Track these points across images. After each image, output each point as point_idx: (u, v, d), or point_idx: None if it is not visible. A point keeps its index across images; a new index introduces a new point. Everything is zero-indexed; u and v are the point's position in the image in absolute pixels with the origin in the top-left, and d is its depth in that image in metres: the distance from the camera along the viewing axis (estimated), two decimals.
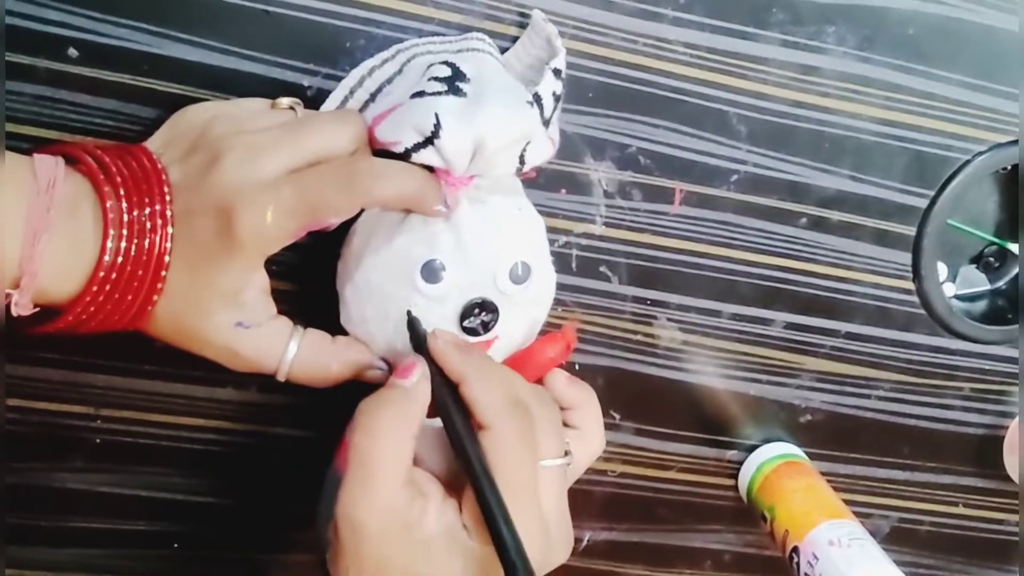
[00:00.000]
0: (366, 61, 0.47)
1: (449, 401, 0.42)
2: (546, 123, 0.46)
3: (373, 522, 0.39)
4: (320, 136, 0.43)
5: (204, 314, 0.42)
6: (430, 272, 0.44)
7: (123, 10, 0.47)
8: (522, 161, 0.45)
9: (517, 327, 0.47)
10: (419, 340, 0.44)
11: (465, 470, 0.40)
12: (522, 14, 0.50)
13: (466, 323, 0.45)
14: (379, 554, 0.39)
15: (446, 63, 0.45)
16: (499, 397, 0.42)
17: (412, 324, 0.45)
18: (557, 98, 0.47)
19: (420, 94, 0.44)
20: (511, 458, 0.40)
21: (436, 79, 0.44)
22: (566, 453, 0.44)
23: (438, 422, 0.42)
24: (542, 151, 0.46)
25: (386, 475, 0.39)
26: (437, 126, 0.42)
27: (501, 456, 0.40)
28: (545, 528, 0.42)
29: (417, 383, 0.42)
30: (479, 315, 0.45)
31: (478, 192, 0.45)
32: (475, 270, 0.45)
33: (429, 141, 0.42)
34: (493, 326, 0.46)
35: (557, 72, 0.47)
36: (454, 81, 0.44)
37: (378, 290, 0.45)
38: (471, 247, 0.44)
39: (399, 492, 0.40)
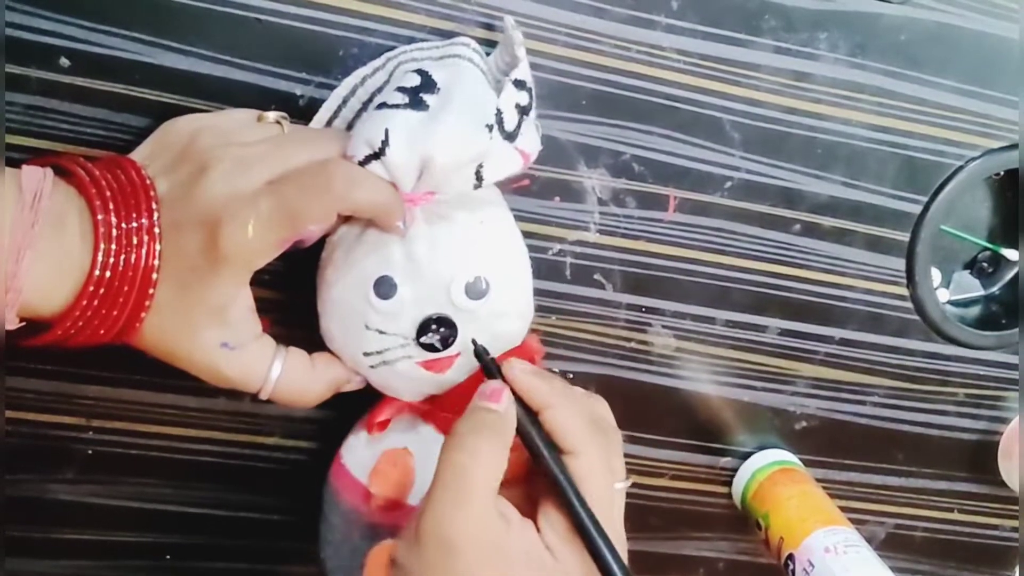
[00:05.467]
0: (358, 70, 0.47)
1: (532, 428, 0.42)
2: (510, 137, 0.44)
3: (466, 539, 0.39)
4: (308, 153, 0.43)
5: (191, 331, 0.42)
6: (383, 288, 0.44)
7: (115, 19, 0.47)
8: (479, 178, 0.44)
9: (481, 342, 0.47)
10: (489, 368, 0.44)
11: (559, 495, 0.41)
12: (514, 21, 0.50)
13: (423, 339, 0.45)
14: (468, 573, 0.39)
15: (418, 71, 0.44)
16: (584, 422, 0.43)
17: (479, 354, 0.45)
18: (522, 109, 0.45)
19: (382, 105, 0.43)
20: (598, 482, 0.42)
21: (402, 89, 0.43)
22: (627, 475, 0.45)
23: None
24: (504, 167, 0.45)
25: (482, 494, 0.40)
26: (385, 142, 0.42)
27: (589, 480, 0.41)
28: (623, 547, 0.43)
29: (508, 407, 0.42)
30: (437, 331, 0.45)
31: (439, 207, 0.45)
32: (428, 285, 0.44)
33: (377, 155, 0.42)
34: (453, 341, 0.46)
35: (519, 83, 0.45)
36: (419, 92, 0.43)
37: (340, 305, 0.45)
38: (423, 263, 0.44)
39: (492, 511, 0.40)
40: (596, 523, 0.40)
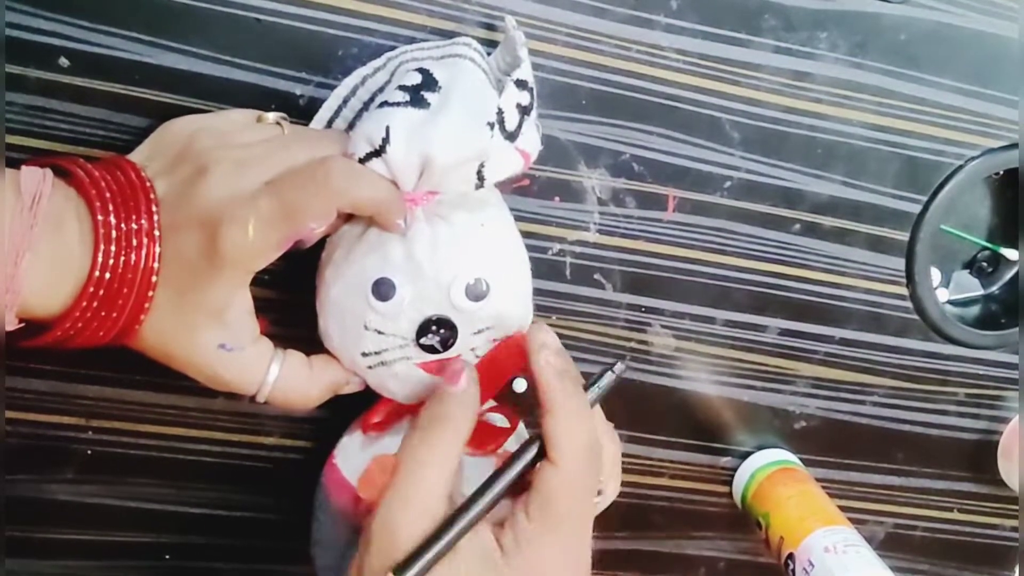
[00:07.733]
0: (358, 70, 0.47)
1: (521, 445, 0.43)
2: (511, 136, 0.44)
3: (411, 528, 0.39)
4: (308, 154, 0.43)
5: (189, 332, 0.42)
6: (382, 289, 0.44)
7: (114, 19, 0.47)
8: (480, 178, 0.44)
9: (481, 344, 0.47)
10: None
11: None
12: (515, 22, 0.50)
13: (423, 340, 0.45)
14: None
15: (419, 70, 0.44)
16: (578, 443, 0.42)
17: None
18: (523, 109, 0.45)
19: (383, 103, 0.43)
20: (567, 495, 0.41)
21: (403, 88, 0.43)
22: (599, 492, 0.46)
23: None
24: (506, 167, 0.45)
25: (432, 482, 0.40)
26: (385, 139, 0.42)
27: (559, 492, 0.41)
28: (588, 562, 0.43)
29: (467, 389, 0.42)
30: (438, 332, 0.45)
31: (439, 208, 0.45)
32: (428, 287, 0.44)
33: (377, 153, 0.42)
34: (453, 343, 0.45)
35: (521, 83, 0.45)
36: (420, 90, 0.43)
37: (338, 305, 0.45)
38: (423, 264, 0.44)
39: (442, 501, 0.40)
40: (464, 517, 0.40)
